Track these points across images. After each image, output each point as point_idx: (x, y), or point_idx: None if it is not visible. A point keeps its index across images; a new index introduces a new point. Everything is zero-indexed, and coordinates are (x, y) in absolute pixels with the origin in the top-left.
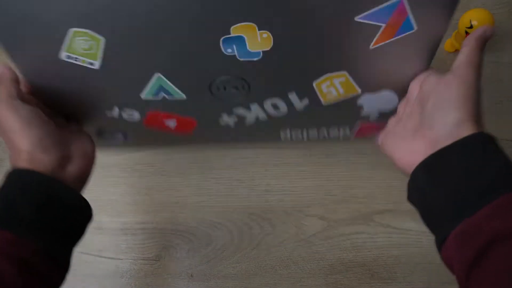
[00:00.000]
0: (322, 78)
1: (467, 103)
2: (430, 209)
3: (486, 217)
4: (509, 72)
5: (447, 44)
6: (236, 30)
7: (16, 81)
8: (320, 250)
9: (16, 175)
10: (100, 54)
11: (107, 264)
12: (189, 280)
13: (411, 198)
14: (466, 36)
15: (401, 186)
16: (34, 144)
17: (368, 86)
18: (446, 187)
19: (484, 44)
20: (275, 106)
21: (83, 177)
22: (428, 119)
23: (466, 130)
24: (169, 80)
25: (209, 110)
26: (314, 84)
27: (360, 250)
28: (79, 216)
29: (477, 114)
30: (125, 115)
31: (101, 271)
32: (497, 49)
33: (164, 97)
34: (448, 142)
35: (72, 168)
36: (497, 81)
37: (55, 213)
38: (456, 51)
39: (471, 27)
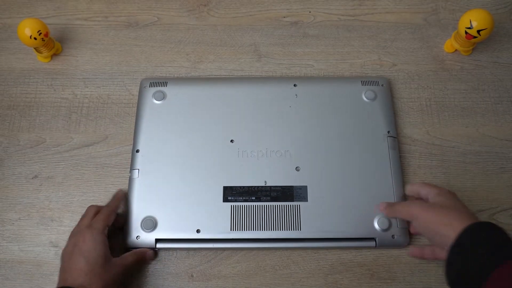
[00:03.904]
0: None
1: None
2: None
3: None
4: (509, 72)
5: (447, 44)
6: None
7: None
8: (320, 250)
9: None
10: None
11: None
12: (189, 280)
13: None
14: (466, 36)
15: None
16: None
17: None
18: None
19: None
20: None
21: None
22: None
23: (454, 232)
24: None
25: None
26: None
27: (360, 250)
28: None
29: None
30: None
31: None
32: (497, 49)
33: None
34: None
35: None
36: (497, 81)
37: None
38: (456, 51)
39: (471, 27)
